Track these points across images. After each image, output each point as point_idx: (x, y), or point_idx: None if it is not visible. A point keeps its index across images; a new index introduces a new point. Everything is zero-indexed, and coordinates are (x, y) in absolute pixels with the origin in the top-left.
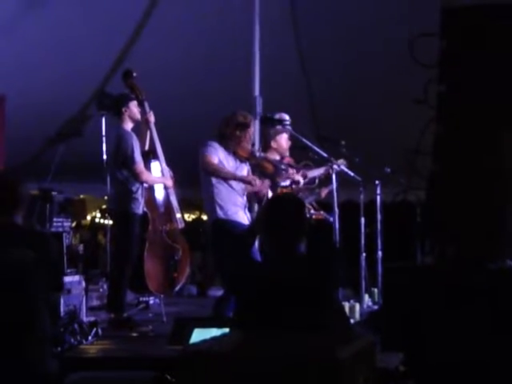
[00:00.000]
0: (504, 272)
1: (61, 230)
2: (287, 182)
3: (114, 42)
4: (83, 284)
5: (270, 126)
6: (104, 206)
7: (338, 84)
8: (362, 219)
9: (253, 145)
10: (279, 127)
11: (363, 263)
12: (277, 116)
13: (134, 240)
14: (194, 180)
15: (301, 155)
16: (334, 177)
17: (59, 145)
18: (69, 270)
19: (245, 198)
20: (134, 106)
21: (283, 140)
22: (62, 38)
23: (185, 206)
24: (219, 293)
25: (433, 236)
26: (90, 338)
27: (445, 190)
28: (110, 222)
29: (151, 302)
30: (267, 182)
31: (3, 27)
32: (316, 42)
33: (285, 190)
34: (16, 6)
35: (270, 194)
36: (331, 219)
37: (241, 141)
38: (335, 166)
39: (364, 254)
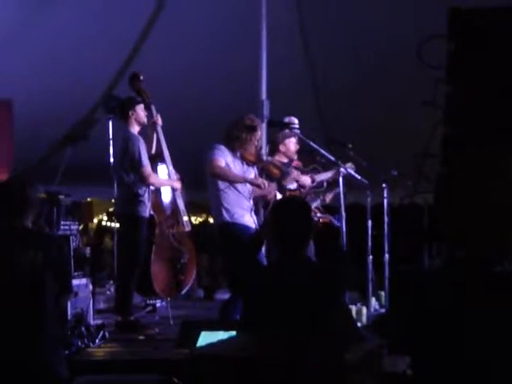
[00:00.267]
0: None
1: (68, 233)
2: (294, 185)
3: (120, 46)
4: (90, 287)
5: (278, 130)
6: (111, 209)
7: (345, 87)
8: (369, 222)
9: (260, 148)
10: (287, 131)
11: (370, 266)
12: (286, 120)
13: (141, 243)
14: (201, 183)
15: (308, 159)
16: (341, 180)
17: (66, 148)
18: (76, 273)
19: (251, 201)
20: (140, 110)
21: (291, 144)
22: (69, 42)
23: (191, 209)
24: (226, 296)
25: (440, 239)
26: (97, 340)
27: (452, 193)
28: (117, 225)
29: (158, 304)
30: (274, 186)
31: (11, 32)
32: (323, 46)
33: (292, 194)
34: (23, 10)
35: (279, 197)
36: (337, 223)
37: (248, 144)
38: (342, 170)
39: (371, 257)
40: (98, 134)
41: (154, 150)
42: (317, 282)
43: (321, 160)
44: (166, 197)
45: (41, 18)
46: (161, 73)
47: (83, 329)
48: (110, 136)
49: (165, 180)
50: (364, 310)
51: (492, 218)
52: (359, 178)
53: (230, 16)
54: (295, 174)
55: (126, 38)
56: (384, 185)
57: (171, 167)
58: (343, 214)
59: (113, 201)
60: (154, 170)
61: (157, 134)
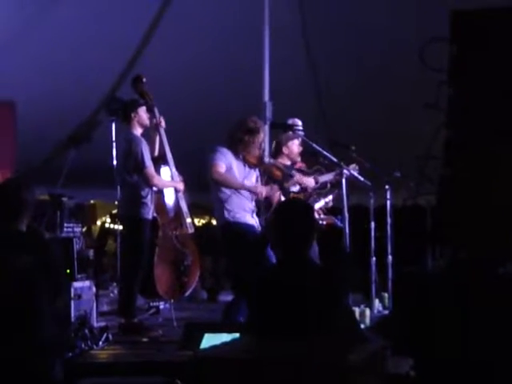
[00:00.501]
0: None
1: (71, 235)
2: (297, 188)
3: (123, 48)
4: (93, 289)
5: (281, 132)
6: (114, 211)
7: (348, 88)
8: (372, 224)
9: (263, 151)
10: (291, 133)
11: (373, 268)
12: (290, 121)
13: (145, 245)
14: (204, 185)
15: (312, 160)
16: (343, 182)
17: (69, 150)
18: (79, 275)
19: (253, 203)
20: (143, 112)
21: (294, 146)
22: (72, 43)
23: (194, 211)
24: (229, 298)
25: (443, 240)
26: (100, 343)
27: (455, 194)
28: (121, 227)
29: (161, 306)
30: (276, 188)
31: (13, 34)
32: (326, 48)
33: (296, 196)
34: (25, 12)
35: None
36: (340, 224)
37: (250, 146)
38: (345, 171)
39: (374, 259)
40: (100, 136)
41: (156, 152)
42: (319, 284)
43: (324, 161)
44: (169, 199)
45: (43, 20)
46: (163, 74)
47: (87, 331)
48: (113, 138)
49: (168, 182)
50: (367, 311)
51: (495, 219)
52: (362, 179)
53: (233, 18)
54: (297, 176)
55: (129, 40)
56: (387, 186)
57: (174, 169)
58: (346, 215)
59: (116, 203)
60: (157, 171)
61: (160, 135)
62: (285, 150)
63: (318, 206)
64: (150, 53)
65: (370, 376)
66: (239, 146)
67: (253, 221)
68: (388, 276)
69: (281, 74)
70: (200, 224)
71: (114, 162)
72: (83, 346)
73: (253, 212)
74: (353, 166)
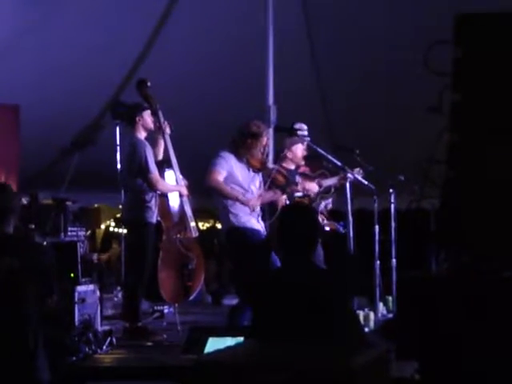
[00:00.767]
0: None
1: (75, 239)
2: (300, 193)
3: (128, 52)
4: (98, 293)
5: (285, 136)
6: (119, 215)
7: (353, 92)
8: (377, 227)
9: (267, 155)
10: (296, 137)
11: (378, 271)
12: (297, 126)
13: (149, 249)
14: (208, 189)
15: (316, 164)
16: (348, 186)
17: (74, 154)
18: (83, 280)
19: (258, 207)
20: (147, 116)
21: (299, 150)
22: (76, 47)
23: (199, 215)
24: (234, 302)
25: (447, 244)
26: (104, 347)
27: (459, 198)
28: (125, 231)
29: (166, 310)
30: (279, 193)
31: (17, 38)
32: (330, 51)
33: (300, 200)
34: (29, 17)
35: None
36: (342, 230)
37: (252, 149)
38: (349, 175)
39: (378, 262)
40: (105, 140)
41: (161, 156)
42: (322, 286)
43: (328, 165)
44: (174, 203)
45: (47, 24)
46: (168, 79)
47: (91, 335)
48: (117, 142)
49: (172, 186)
50: (371, 315)
51: (500, 222)
52: (366, 183)
53: (237, 22)
54: (300, 183)
55: (132, 45)
56: (391, 190)
57: (178, 173)
58: (350, 219)
59: (120, 207)
60: (162, 175)
61: (164, 140)
62: (289, 154)
63: (319, 209)
64: (154, 58)
65: (374, 380)
66: (242, 149)
67: (258, 225)
68: (392, 279)
69: (285, 78)
70: (204, 228)
71: (119, 166)
72: (87, 349)
73: (258, 216)
74: (357, 169)
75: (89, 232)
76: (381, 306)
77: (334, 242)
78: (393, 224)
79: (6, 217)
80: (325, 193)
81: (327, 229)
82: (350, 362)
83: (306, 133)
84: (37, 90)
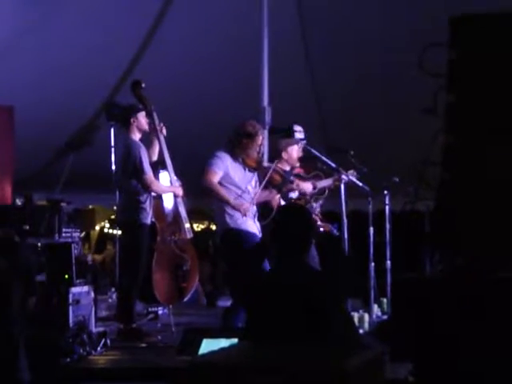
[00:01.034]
0: None
1: (70, 240)
2: (296, 194)
3: (122, 53)
4: (92, 294)
5: (280, 137)
6: (113, 217)
7: (347, 94)
8: (371, 229)
9: (262, 155)
10: (292, 139)
11: (372, 273)
12: (296, 128)
13: (143, 250)
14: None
15: (311, 165)
16: (342, 187)
17: (68, 155)
18: (78, 281)
19: (254, 207)
20: (142, 117)
21: (294, 151)
22: (71, 48)
23: (193, 216)
24: (228, 303)
25: (442, 245)
26: (98, 348)
27: (454, 200)
28: (119, 233)
29: (160, 312)
30: (275, 192)
31: (12, 39)
32: (325, 53)
33: (296, 201)
34: (25, 17)
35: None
36: (336, 232)
37: (248, 149)
38: (344, 177)
39: (373, 264)
40: (99, 142)
41: (155, 157)
42: (316, 287)
43: (322, 167)
44: (168, 204)
45: (43, 25)
46: (162, 80)
47: (85, 336)
48: (112, 143)
49: (166, 187)
50: (366, 316)
51: (494, 223)
52: (361, 184)
53: (232, 23)
54: (296, 182)
55: (128, 46)
56: (386, 191)
57: (173, 174)
58: (345, 220)
59: (115, 208)
60: (156, 176)
61: (159, 141)
62: (284, 155)
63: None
64: (148, 59)
65: (369, 382)
66: (238, 149)
67: (254, 227)
68: (387, 281)
69: (279, 79)
70: (199, 229)
71: (113, 167)
72: (81, 351)
73: (254, 216)
74: (351, 171)
75: (83, 233)
76: (375, 307)
77: (328, 244)
78: (387, 226)
79: None
80: (319, 194)
81: (321, 230)
82: (344, 363)
83: (303, 135)
84: (31, 91)
